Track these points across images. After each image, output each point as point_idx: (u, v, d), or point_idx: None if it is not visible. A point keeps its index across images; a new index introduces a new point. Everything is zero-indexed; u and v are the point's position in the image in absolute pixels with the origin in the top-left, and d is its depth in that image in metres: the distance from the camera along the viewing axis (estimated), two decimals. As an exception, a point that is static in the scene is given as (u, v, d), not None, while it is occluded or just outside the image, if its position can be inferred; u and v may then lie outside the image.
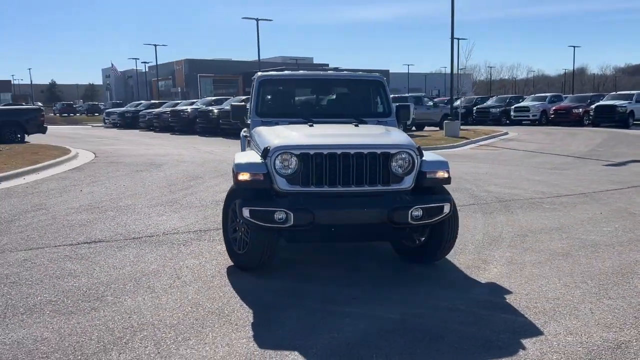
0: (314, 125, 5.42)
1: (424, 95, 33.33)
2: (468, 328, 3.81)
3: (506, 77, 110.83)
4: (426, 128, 27.81)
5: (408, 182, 4.76)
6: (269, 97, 6.15)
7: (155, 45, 54.08)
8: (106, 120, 37.52)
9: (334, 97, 6.49)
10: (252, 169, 4.67)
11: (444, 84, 64.36)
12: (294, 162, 4.60)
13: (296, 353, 3.42)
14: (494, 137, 22.48)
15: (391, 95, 23.42)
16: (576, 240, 6.11)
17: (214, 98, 29.71)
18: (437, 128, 26.99)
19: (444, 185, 5.03)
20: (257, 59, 45.36)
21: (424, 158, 4.88)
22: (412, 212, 4.56)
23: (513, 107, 31.91)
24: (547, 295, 4.44)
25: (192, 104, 29.64)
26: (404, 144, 4.82)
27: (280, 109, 6.02)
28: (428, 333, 3.72)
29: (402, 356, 3.39)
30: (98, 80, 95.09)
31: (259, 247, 4.82)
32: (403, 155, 4.74)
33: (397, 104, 6.23)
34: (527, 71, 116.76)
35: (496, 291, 4.54)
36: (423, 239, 5.23)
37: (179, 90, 71.74)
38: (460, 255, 5.55)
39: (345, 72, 6.60)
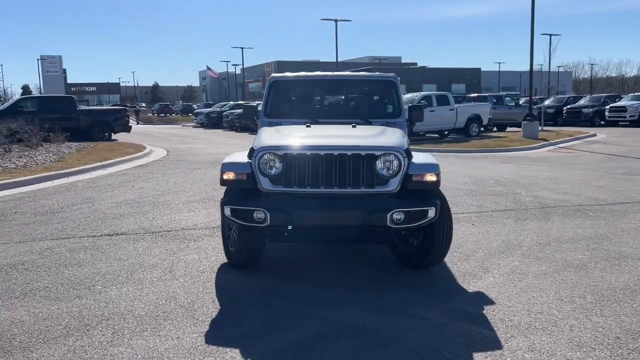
0: (312, 126, 5.43)
1: (506, 94, 31.92)
2: (424, 337, 3.67)
3: (613, 75, 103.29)
4: (508, 129, 26.62)
5: (394, 185, 4.65)
6: (280, 98, 6.23)
7: (242, 48, 56.00)
8: (195, 120, 39.44)
9: (343, 98, 6.45)
10: (236, 169, 4.78)
11: (540, 82, 61.26)
12: (277, 162, 4.65)
13: (236, 352, 3.48)
14: (577, 139, 21.12)
15: (474, 95, 22.62)
16: (603, 251, 5.65)
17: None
18: (520, 129, 25.76)
19: (439, 189, 4.88)
20: (347, 59, 45.68)
21: (413, 160, 4.75)
22: (392, 215, 4.45)
23: (608, 107, 29.73)
24: (532, 308, 4.17)
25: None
26: (389, 145, 4.71)
27: (288, 110, 6.09)
28: (380, 340, 3.64)
29: (339, 361, 3.35)
30: (196, 82, 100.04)
31: (244, 245, 4.93)
32: (388, 158, 4.64)
33: (410, 105, 6.08)
34: (637, 68, 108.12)
35: (478, 301, 4.33)
36: (418, 243, 5.09)
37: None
38: (464, 262, 5.33)
39: (360, 72, 6.53)
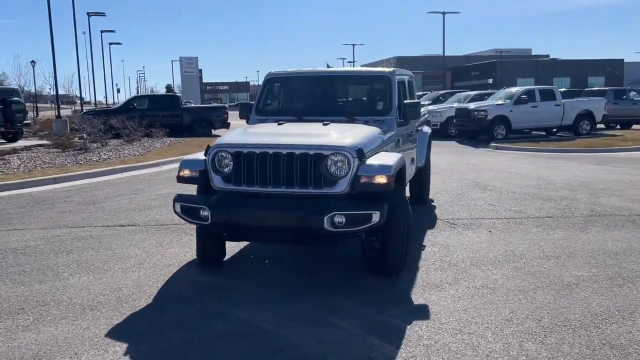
0: (285, 124, 5.35)
1: (630, 88, 28.57)
2: (319, 348, 3.46)
3: None
4: (634, 126, 23.96)
5: (342, 186, 4.42)
6: (273, 95, 6.20)
7: (353, 45, 56.19)
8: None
9: (335, 94, 6.24)
10: (192, 166, 4.84)
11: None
12: (229, 160, 4.64)
13: (124, 347, 3.53)
14: None
15: (595, 88, 20.96)
16: (615, 269, 4.92)
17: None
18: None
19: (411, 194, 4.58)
20: (468, 53, 44.13)
21: (368, 161, 4.47)
22: (330, 218, 4.24)
23: None
24: (465, 328, 3.75)
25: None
26: (338, 145, 4.49)
27: (278, 108, 6.04)
28: (272, 346, 3.50)
29: (211, 365, 3.28)
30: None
31: (200, 242, 4.99)
32: (337, 158, 4.42)
33: (406, 102, 5.73)
34: None
35: (413, 315, 3.97)
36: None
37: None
38: (439, 272, 4.94)
39: (357, 68, 6.26)
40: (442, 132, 21.04)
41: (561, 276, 4.79)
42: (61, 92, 52.94)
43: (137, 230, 6.53)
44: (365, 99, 6.08)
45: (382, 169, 4.42)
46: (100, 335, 3.70)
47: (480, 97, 22.88)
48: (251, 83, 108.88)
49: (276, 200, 4.51)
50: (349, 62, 68.58)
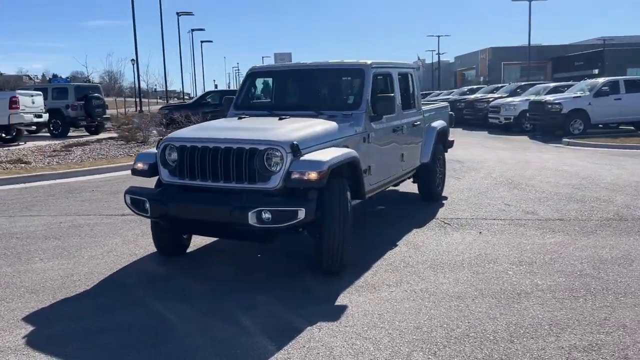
0: (245, 118, 5.37)
1: None
2: (200, 343, 3.47)
3: None
4: None
5: (274, 182, 4.38)
6: (254, 89, 6.22)
7: (438, 37, 54.64)
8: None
9: (307, 89, 6.11)
10: (144, 159, 4.99)
11: None
12: (174, 154, 4.75)
13: (23, 332, 3.74)
14: None
15: (633, 77, 19.13)
16: (586, 280, 4.48)
17: (468, 88, 28.74)
18: None
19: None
20: (572, 42, 41.55)
21: (303, 157, 4.39)
22: (256, 213, 4.21)
23: None
24: (367, 333, 3.58)
25: (451, 94, 29.31)
26: (273, 140, 4.44)
27: (255, 103, 6.05)
28: (156, 339, 3.54)
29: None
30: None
31: (153, 234, 5.14)
32: (270, 153, 4.38)
33: (379, 95, 5.52)
34: None
35: (323, 316, 3.85)
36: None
37: (481, 80, 70.60)
38: (387, 273, 4.75)
39: (335, 61, 6.08)
40: (515, 127, 20.02)
41: (518, 284, 4.42)
42: (159, 88, 56.10)
43: (132, 220, 6.82)
44: (338, 92, 5.94)
45: (314, 165, 4.32)
46: (18, 318, 3.94)
47: (560, 89, 21.43)
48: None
49: (211, 195, 4.55)
50: (437, 54, 66.83)
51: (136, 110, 26.33)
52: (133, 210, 4.83)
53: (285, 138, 4.45)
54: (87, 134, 21.27)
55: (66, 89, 20.93)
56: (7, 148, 15.02)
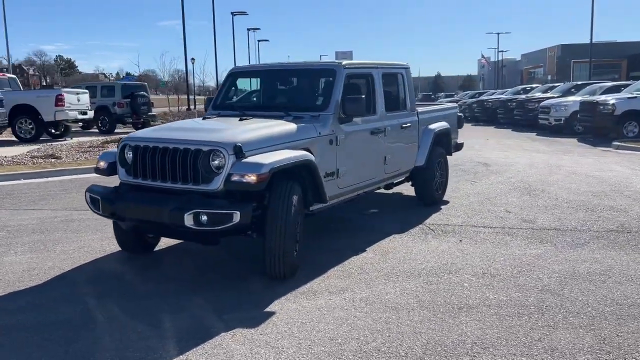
0: (208, 119, 5.40)
1: None
2: (107, 344, 3.51)
3: None
4: None
5: (216, 184, 4.36)
6: (233, 90, 6.21)
7: (497, 34, 52.80)
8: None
9: (280, 89, 6.04)
10: (105, 158, 5.10)
11: None
12: (130, 154, 4.83)
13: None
14: None
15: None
16: (544, 296, 4.20)
17: (522, 87, 27.67)
18: None
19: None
20: None
21: (246, 159, 4.35)
22: (193, 215, 4.22)
23: None
24: (275, 342, 3.50)
25: (505, 93, 28.34)
26: (217, 141, 4.42)
27: (231, 103, 6.04)
28: (67, 338, 3.59)
29: None
30: (475, 71, 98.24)
31: (114, 232, 5.25)
32: (214, 154, 4.37)
33: (348, 96, 5.39)
34: None
35: (243, 321, 3.79)
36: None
37: (549, 78, 67.92)
38: (337, 279, 4.64)
39: (313, 61, 5.97)
40: (566, 129, 19.09)
41: (467, 297, 4.20)
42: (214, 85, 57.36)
43: (124, 217, 7.01)
44: (309, 93, 5.85)
45: (254, 167, 4.27)
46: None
47: (618, 89, 20.24)
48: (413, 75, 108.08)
49: (155, 195, 4.58)
50: (500, 51, 64.81)
51: (188, 108, 27.09)
52: (91, 208, 4.95)
53: (229, 139, 4.42)
54: (134, 130, 22.06)
55: (113, 87, 21.82)
56: (50, 144, 15.81)
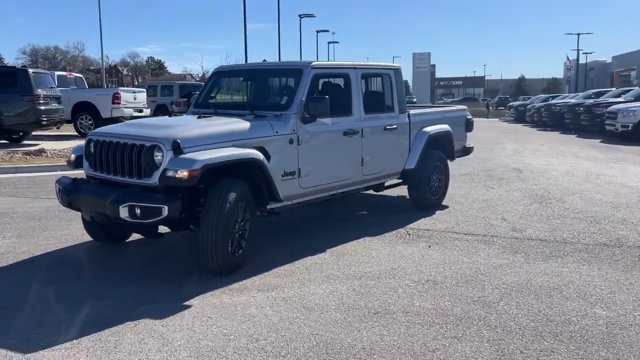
0: (176, 117, 5.59)
1: None
2: (14, 330, 3.75)
3: None
4: None
5: (155, 178, 4.53)
6: (215, 89, 6.36)
7: (577, 34, 49.91)
8: (507, 114, 37.73)
9: (253, 88, 6.10)
10: (76, 152, 5.39)
11: None
12: (92, 147, 5.11)
13: None
14: None
15: None
16: (473, 307, 4.03)
17: (594, 91, 26.07)
18: None
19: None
20: None
21: (184, 155, 4.48)
22: (128, 208, 4.41)
23: None
24: (167, 336, 3.60)
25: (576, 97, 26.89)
26: (157, 137, 4.59)
27: (211, 102, 6.19)
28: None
29: None
30: (561, 74, 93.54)
31: (82, 221, 5.54)
32: (154, 149, 4.55)
33: (312, 97, 5.39)
34: None
35: (152, 315, 3.92)
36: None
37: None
38: (277, 278, 4.66)
39: (280, 62, 6.01)
40: (634, 136, 17.82)
41: (391, 303, 4.11)
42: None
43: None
44: (277, 93, 5.90)
45: (187, 163, 4.39)
46: None
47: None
48: (487, 77, 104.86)
49: (102, 188, 4.81)
50: (585, 53, 61.37)
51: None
52: (58, 199, 5.27)
53: (169, 136, 4.57)
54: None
55: (172, 87, 22.80)
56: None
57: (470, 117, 8.24)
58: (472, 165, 11.73)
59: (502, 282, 4.55)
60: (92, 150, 5.06)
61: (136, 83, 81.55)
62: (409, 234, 6.08)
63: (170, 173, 4.40)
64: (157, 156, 4.51)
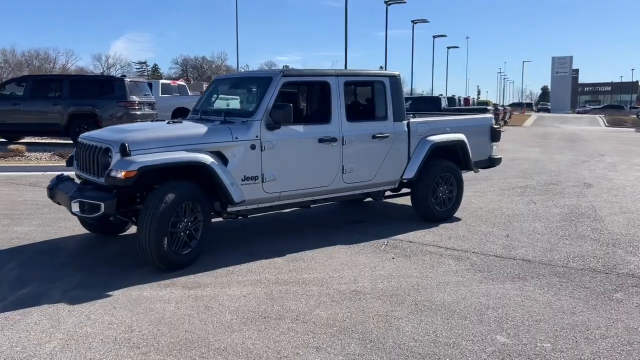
0: (157, 122, 6.03)
1: None
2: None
3: None
4: None
5: (103, 177, 5.01)
6: (215, 95, 6.72)
7: None
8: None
9: (232, 96, 6.32)
10: (73, 153, 6.05)
11: None
12: (78, 148, 5.74)
13: None
14: None
15: None
16: (377, 321, 3.97)
17: None
18: None
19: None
20: None
21: (127, 158, 4.87)
22: (78, 203, 4.91)
23: None
24: (64, 319, 4.00)
25: None
26: (110, 140, 5.05)
27: (201, 108, 6.54)
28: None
29: None
30: None
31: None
32: (108, 152, 5.02)
33: (276, 104, 5.55)
34: None
35: (69, 300, 4.36)
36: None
37: None
38: (209, 277, 4.89)
39: (258, 70, 6.16)
40: None
41: (291, 309, 4.15)
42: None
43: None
44: (247, 100, 6.12)
45: (125, 165, 4.79)
46: None
47: None
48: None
49: (73, 184, 5.38)
50: None
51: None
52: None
53: (119, 139, 5.00)
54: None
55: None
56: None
57: (497, 126, 7.81)
58: (540, 177, 11.11)
59: (427, 300, 4.38)
60: (78, 151, 5.67)
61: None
62: (385, 244, 5.98)
63: (112, 173, 4.83)
64: (110, 158, 4.96)
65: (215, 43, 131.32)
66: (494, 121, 7.79)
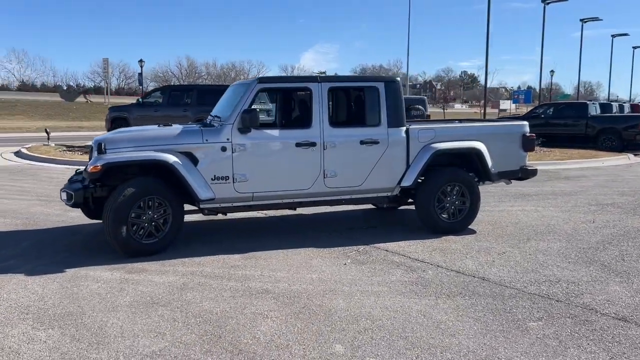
0: (146, 126, 6.80)
1: None
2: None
3: None
4: None
5: (87, 172, 5.86)
6: (220, 102, 7.24)
7: None
8: None
9: (224, 102, 6.65)
10: None
11: None
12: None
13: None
14: None
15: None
16: (210, 328, 4.18)
17: None
18: None
19: None
20: None
21: (105, 155, 5.61)
22: (64, 192, 5.81)
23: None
24: (10, 288, 4.80)
25: None
26: (97, 139, 5.85)
27: (212, 114, 7.10)
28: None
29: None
30: None
31: None
32: (92, 149, 5.86)
33: (245, 109, 5.91)
34: None
35: (31, 273, 5.17)
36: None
37: None
38: (164, 267, 5.43)
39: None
40: None
41: (173, 300, 4.49)
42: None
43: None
44: (224, 106, 6.46)
45: (94, 161, 5.54)
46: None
47: None
48: None
49: (76, 177, 6.30)
50: None
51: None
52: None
53: (101, 139, 5.79)
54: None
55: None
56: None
57: (531, 134, 7.19)
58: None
59: (317, 304, 4.40)
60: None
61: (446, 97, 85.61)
62: (356, 251, 5.97)
63: (87, 168, 5.62)
64: (92, 154, 5.78)
65: (391, 51, 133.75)
66: (527, 128, 7.18)
